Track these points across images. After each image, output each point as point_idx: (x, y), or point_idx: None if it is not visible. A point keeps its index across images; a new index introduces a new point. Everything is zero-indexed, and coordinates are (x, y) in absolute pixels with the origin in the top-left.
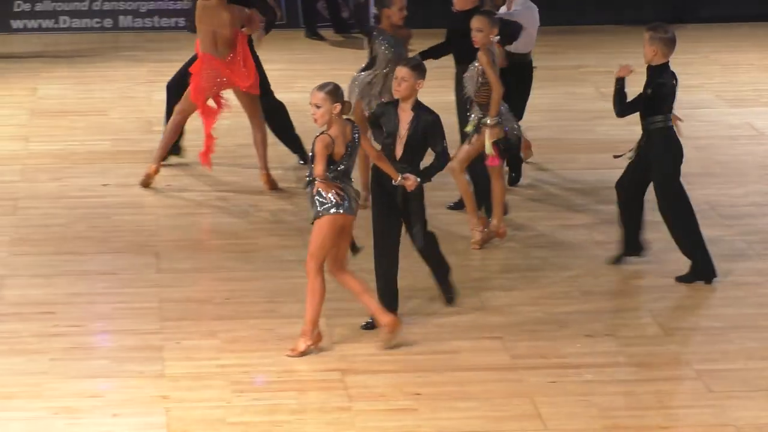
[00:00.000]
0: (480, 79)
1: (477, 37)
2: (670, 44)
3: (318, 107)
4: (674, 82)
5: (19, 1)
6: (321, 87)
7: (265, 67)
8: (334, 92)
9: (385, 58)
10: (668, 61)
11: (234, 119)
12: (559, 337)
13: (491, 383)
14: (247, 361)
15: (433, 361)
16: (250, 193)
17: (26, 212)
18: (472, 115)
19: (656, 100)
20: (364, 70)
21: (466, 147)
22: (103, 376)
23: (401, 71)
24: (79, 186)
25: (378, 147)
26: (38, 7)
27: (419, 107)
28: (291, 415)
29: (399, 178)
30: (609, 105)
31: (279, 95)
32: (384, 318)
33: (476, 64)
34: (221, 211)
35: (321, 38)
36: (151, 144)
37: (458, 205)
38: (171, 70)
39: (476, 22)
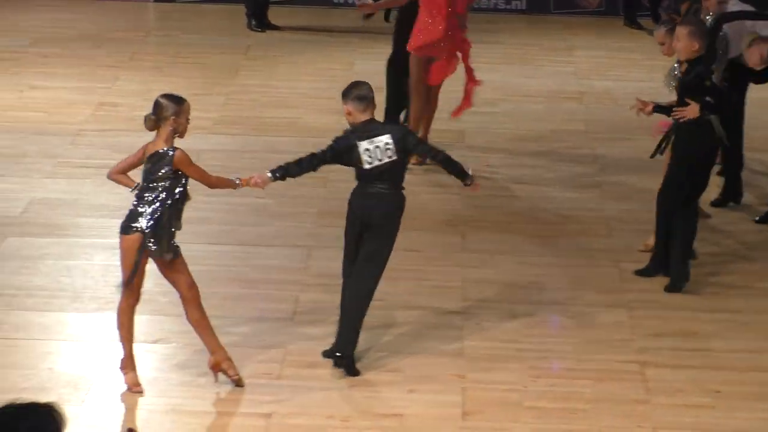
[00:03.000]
0: None
1: None
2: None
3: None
4: None
5: None
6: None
7: (583, 53)
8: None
9: None
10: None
11: (517, 104)
12: None
13: None
14: (545, 347)
15: (736, 359)
16: (552, 180)
17: (336, 185)
18: None
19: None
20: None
21: None
22: (403, 351)
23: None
24: None
25: None
26: None
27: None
28: (586, 404)
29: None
30: None
31: (593, 82)
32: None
33: None
34: (524, 196)
35: (640, 27)
36: (462, 126)
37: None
38: (491, 53)
39: None
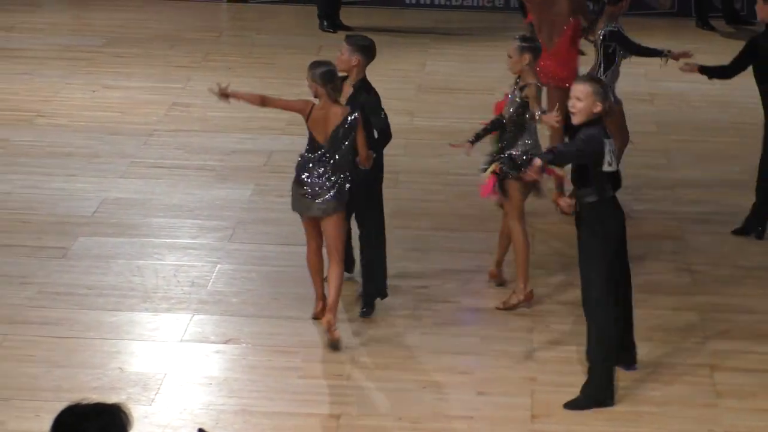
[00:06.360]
0: None
1: None
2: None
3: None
4: None
5: None
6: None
7: None
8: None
9: None
10: None
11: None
12: None
13: None
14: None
15: None
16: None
17: (407, 186)
18: None
19: None
20: None
21: None
22: (472, 353)
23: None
24: (460, 164)
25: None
26: None
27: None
28: (656, 407)
29: None
30: None
31: (665, 84)
32: None
33: None
34: None
35: (712, 28)
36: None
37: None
38: None
39: None
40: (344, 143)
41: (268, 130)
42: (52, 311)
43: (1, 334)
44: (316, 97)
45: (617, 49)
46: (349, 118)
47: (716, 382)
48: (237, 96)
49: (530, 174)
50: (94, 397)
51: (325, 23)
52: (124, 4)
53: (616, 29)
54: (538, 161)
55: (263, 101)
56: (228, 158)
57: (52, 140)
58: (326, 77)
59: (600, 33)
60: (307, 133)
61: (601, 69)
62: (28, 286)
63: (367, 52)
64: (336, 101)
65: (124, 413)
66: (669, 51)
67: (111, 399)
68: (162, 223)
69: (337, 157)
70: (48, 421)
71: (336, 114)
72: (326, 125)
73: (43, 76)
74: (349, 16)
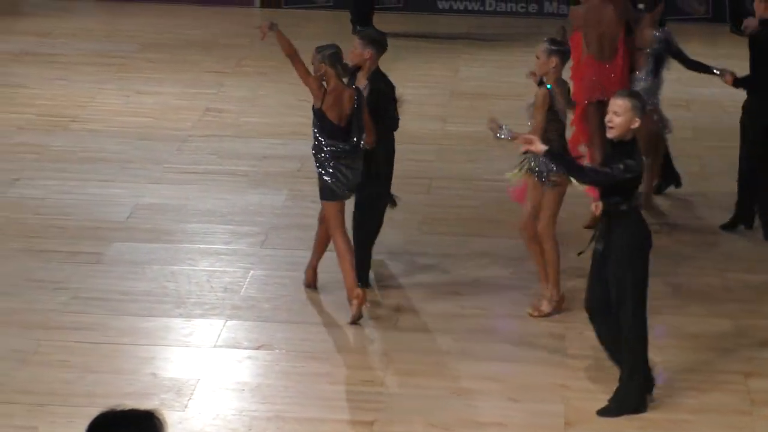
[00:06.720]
0: None
1: None
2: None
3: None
4: None
5: None
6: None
7: None
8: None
9: None
10: None
11: None
12: None
13: None
14: (649, 356)
15: None
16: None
17: (439, 192)
18: None
19: None
20: None
21: None
22: (504, 359)
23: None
24: (493, 169)
25: None
26: None
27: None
28: (690, 415)
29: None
30: None
31: (699, 90)
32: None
33: None
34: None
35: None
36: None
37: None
38: None
39: None
40: (359, 122)
41: (300, 135)
42: (86, 317)
43: (35, 339)
44: (321, 80)
45: (664, 56)
46: (356, 98)
47: (751, 390)
48: (278, 36)
49: (523, 139)
50: (128, 403)
51: (358, 28)
52: (157, 9)
53: (662, 37)
54: (542, 148)
55: (291, 56)
56: (261, 164)
57: (87, 146)
58: (335, 58)
59: (652, 40)
60: (313, 118)
61: (651, 76)
62: (63, 291)
63: (379, 45)
64: (344, 83)
65: (158, 419)
66: (720, 70)
67: (144, 405)
68: (195, 228)
69: (361, 136)
70: (81, 427)
71: (347, 97)
72: (341, 107)
73: (78, 82)
74: (382, 21)
